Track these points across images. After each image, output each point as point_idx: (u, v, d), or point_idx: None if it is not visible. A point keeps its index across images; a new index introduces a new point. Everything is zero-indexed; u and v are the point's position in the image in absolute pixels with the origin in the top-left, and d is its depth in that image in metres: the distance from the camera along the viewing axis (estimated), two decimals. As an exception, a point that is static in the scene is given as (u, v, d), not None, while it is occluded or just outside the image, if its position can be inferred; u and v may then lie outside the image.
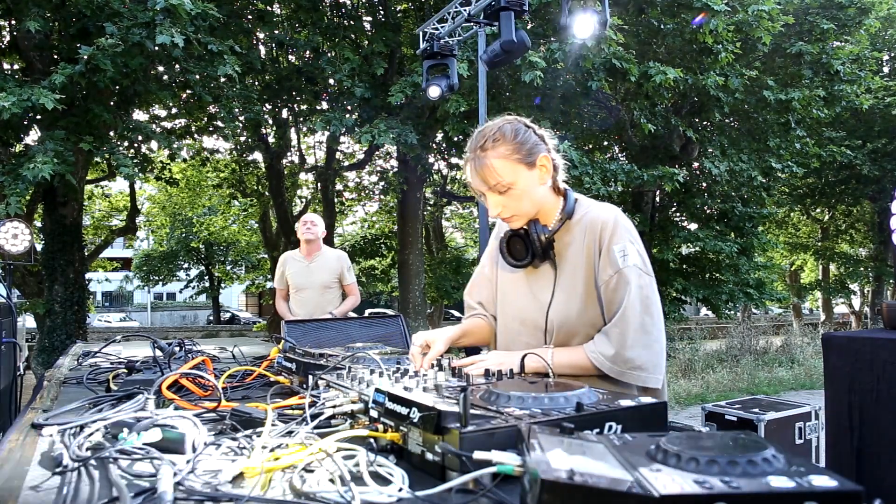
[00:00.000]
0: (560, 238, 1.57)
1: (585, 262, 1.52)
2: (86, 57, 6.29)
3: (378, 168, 15.49)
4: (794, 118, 10.73)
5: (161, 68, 8.39)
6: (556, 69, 8.53)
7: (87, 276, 10.60)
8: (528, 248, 1.57)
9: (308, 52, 10.07)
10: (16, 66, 9.08)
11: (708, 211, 12.20)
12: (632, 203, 11.87)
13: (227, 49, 7.20)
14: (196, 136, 11.87)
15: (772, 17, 9.02)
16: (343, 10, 10.63)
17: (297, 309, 4.53)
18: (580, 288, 1.53)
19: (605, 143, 13.60)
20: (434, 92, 5.87)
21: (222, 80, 7.64)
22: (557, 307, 1.55)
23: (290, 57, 11.26)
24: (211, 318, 29.05)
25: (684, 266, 12.42)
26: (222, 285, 26.76)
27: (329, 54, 9.63)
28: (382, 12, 10.50)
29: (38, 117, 7.40)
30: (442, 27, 6.11)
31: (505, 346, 1.67)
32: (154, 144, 9.65)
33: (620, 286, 1.46)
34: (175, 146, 8.62)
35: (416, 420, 0.91)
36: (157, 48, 6.54)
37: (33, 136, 8.74)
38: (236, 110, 8.67)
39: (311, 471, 0.86)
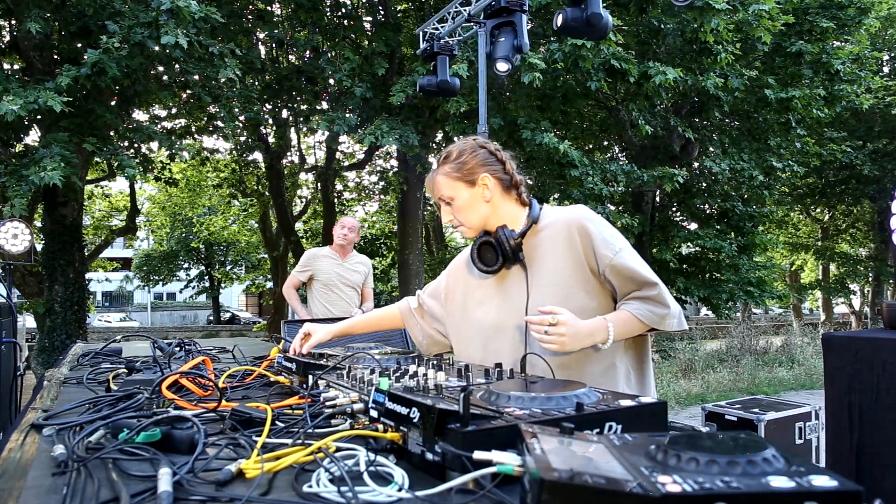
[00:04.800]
0: (528, 241, 1.65)
1: (566, 255, 1.60)
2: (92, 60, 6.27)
3: (378, 168, 15.50)
4: (794, 118, 10.72)
5: (161, 68, 8.38)
6: (556, 69, 8.52)
7: (87, 276, 10.58)
8: (498, 252, 1.63)
9: (308, 51, 10.07)
10: (16, 66, 9.07)
11: (708, 210, 12.19)
12: (632, 203, 11.85)
13: (227, 52, 7.19)
14: (196, 136, 11.87)
15: (772, 17, 9.00)
16: (343, 10, 10.62)
17: (326, 306, 4.60)
18: (561, 279, 1.59)
19: (605, 143, 13.59)
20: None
21: (222, 81, 7.64)
22: (535, 303, 1.58)
23: (290, 57, 11.26)
24: (211, 318, 29.03)
25: (684, 266, 12.40)
26: (222, 285, 26.76)
27: (329, 54, 9.62)
28: (382, 12, 10.50)
29: (39, 117, 7.39)
30: (442, 27, 6.11)
31: (490, 354, 1.65)
32: (154, 145, 9.66)
33: (628, 263, 1.57)
34: (177, 147, 8.61)
35: (416, 420, 0.91)
36: (158, 49, 6.53)
37: (33, 136, 8.73)
38: (236, 110, 8.67)
39: (311, 471, 0.86)
